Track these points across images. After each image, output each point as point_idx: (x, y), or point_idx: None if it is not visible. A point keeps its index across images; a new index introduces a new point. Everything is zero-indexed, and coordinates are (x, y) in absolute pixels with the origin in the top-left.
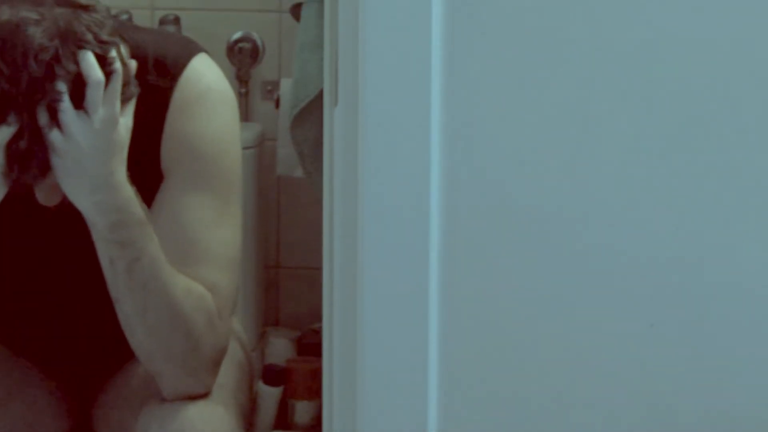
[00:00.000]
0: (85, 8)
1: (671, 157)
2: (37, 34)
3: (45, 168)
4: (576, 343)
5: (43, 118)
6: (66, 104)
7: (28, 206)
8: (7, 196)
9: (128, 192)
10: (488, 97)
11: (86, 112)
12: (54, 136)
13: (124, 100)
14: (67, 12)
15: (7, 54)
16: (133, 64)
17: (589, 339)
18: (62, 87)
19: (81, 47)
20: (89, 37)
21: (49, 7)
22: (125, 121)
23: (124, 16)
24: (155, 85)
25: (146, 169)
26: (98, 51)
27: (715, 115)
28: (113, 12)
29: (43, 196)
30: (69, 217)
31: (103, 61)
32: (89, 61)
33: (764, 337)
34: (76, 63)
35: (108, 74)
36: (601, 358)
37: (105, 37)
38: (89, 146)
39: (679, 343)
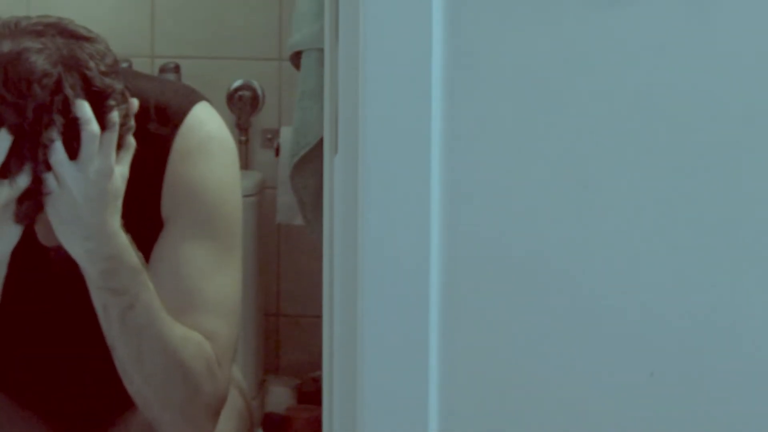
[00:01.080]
0: (87, 39)
1: (671, 209)
2: (39, 62)
3: (41, 206)
4: (576, 392)
5: (40, 158)
6: (60, 154)
7: (29, 249)
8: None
9: (122, 240)
10: (488, 148)
11: (80, 162)
12: (50, 180)
13: (122, 148)
14: (70, 42)
15: (10, 82)
16: (134, 103)
17: (589, 389)
18: (55, 135)
19: (83, 75)
20: (92, 65)
21: (51, 38)
22: (121, 170)
23: (125, 64)
24: (156, 133)
25: (146, 216)
26: (99, 83)
27: (714, 167)
28: (111, 50)
29: (42, 234)
30: (68, 262)
31: (102, 99)
32: (86, 110)
33: (765, 389)
34: (77, 89)
35: (104, 121)
36: (601, 406)
37: (106, 68)
38: (82, 196)
39: (679, 392)
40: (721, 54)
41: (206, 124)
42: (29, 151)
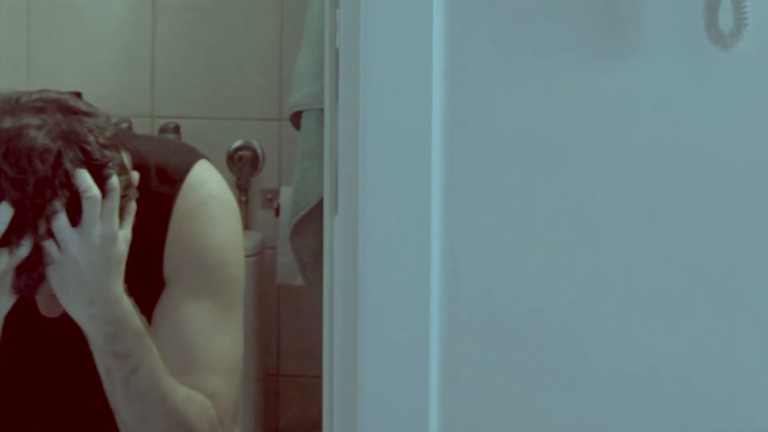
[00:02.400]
0: (86, 113)
1: (670, 268)
2: (39, 137)
3: (42, 278)
4: None
5: (41, 229)
6: (62, 222)
7: (30, 316)
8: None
9: (125, 304)
10: (488, 205)
11: (83, 228)
12: (52, 249)
13: (124, 213)
14: (69, 117)
15: (11, 157)
16: (135, 176)
17: None
18: (58, 205)
19: (83, 149)
20: (91, 139)
21: (51, 113)
22: (124, 234)
23: (124, 125)
24: (157, 192)
25: (147, 276)
26: (98, 156)
27: (715, 226)
28: (113, 120)
29: (44, 306)
30: (70, 327)
31: (102, 170)
32: (85, 178)
33: None
34: (77, 163)
35: (105, 189)
36: None
37: (106, 141)
38: (86, 261)
39: None
40: (721, 110)
41: (207, 184)
42: (30, 223)
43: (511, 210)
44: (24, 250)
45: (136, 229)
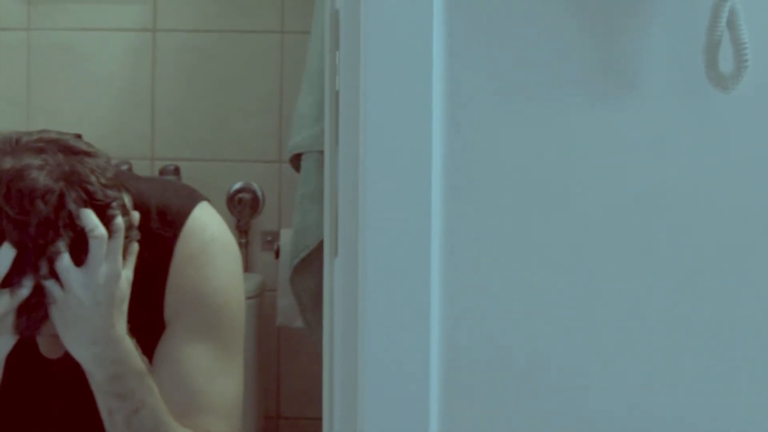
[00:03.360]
0: (87, 154)
1: (670, 314)
2: (41, 177)
3: (45, 318)
4: None
5: (43, 269)
6: (66, 261)
7: (31, 356)
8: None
9: (128, 344)
10: (488, 250)
11: (88, 267)
12: (54, 289)
13: (127, 254)
14: (70, 157)
15: (13, 199)
16: (136, 216)
17: None
18: (62, 245)
19: (85, 189)
20: (93, 179)
21: (52, 154)
22: (126, 274)
23: (125, 167)
24: (158, 234)
25: (149, 317)
26: (101, 196)
27: (715, 270)
28: (113, 162)
29: (45, 347)
30: (72, 367)
31: (106, 210)
32: (91, 218)
33: None
34: (79, 203)
35: (110, 228)
36: None
37: (107, 181)
38: (90, 301)
39: None
40: (721, 152)
41: (208, 227)
42: (31, 264)
43: (510, 253)
44: (25, 290)
45: (137, 271)
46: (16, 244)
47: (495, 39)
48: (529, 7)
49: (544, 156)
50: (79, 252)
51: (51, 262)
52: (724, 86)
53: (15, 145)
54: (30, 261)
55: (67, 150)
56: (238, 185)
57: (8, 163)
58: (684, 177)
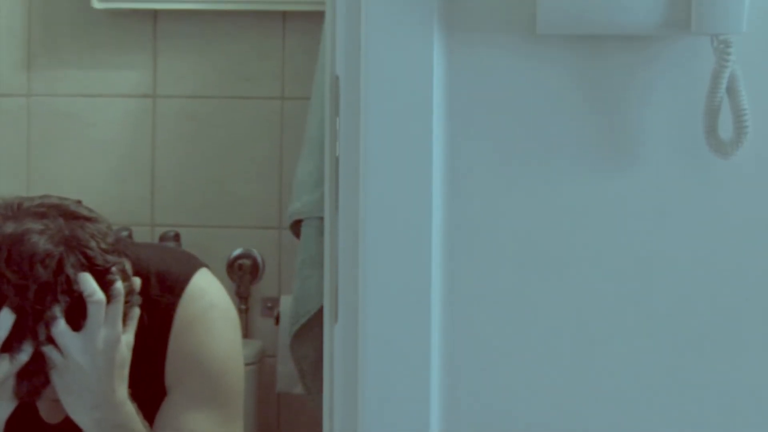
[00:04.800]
0: (88, 219)
1: (670, 376)
2: (41, 242)
3: (45, 383)
4: None
5: (41, 334)
6: (62, 327)
7: (31, 421)
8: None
9: (129, 409)
10: (488, 314)
11: (86, 332)
12: (53, 354)
13: (127, 319)
14: (71, 222)
15: (13, 262)
16: (137, 282)
17: None
18: (57, 311)
19: (85, 254)
20: (93, 244)
21: (53, 219)
22: (127, 339)
23: (124, 233)
24: (158, 301)
25: (149, 382)
26: (100, 262)
27: (714, 333)
28: (113, 228)
29: (46, 412)
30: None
31: (105, 275)
32: (89, 283)
33: None
34: (78, 268)
35: (109, 293)
36: None
37: (108, 246)
38: (89, 366)
39: None
40: (721, 219)
41: (207, 293)
42: (30, 329)
43: (510, 318)
44: (24, 355)
45: (137, 337)
46: (15, 309)
47: (495, 105)
48: (529, 75)
49: (544, 221)
50: (78, 317)
51: (49, 327)
52: (724, 153)
53: (17, 209)
54: (29, 326)
55: (68, 215)
56: (238, 251)
57: (10, 227)
58: (683, 243)
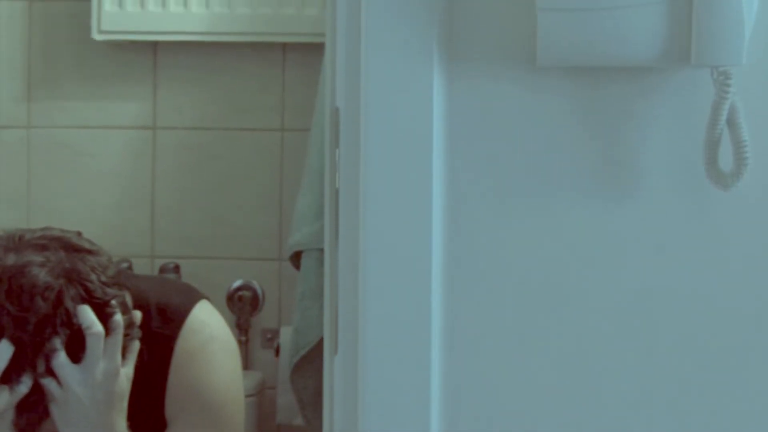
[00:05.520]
0: (89, 252)
1: (671, 410)
2: (41, 274)
3: (45, 415)
4: None
5: (40, 367)
6: (62, 359)
7: None
8: None
9: None
10: (487, 347)
11: (85, 364)
12: (52, 386)
13: (127, 352)
14: (72, 255)
15: (13, 295)
16: (137, 315)
17: None
18: (57, 343)
19: (85, 287)
20: (93, 277)
21: (54, 251)
22: (126, 371)
23: (124, 265)
24: (158, 333)
25: (149, 414)
26: (100, 294)
27: (715, 368)
28: (114, 261)
29: None
30: None
31: (105, 308)
32: (88, 315)
33: None
34: (78, 300)
35: (108, 326)
36: None
37: (108, 279)
38: (89, 398)
39: None
40: (721, 251)
41: (208, 326)
42: (29, 361)
43: (511, 352)
44: (24, 387)
45: (137, 369)
46: (14, 341)
47: (495, 136)
48: (529, 106)
49: (544, 252)
50: (78, 349)
51: (48, 359)
52: (724, 184)
53: (18, 241)
54: (28, 358)
55: (69, 247)
56: (238, 283)
57: (11, 259)
58: (684, 274)
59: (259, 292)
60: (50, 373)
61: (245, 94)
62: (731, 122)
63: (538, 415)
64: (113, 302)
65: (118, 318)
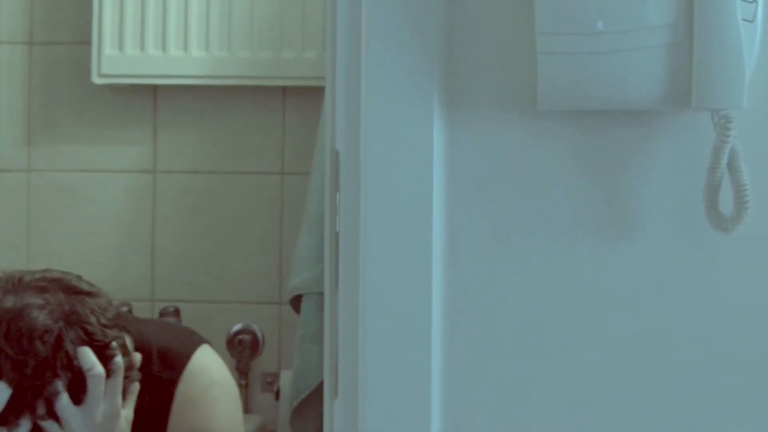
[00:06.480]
0: (89, 294)
1: None
2: (41, 317)
3: None
4: None
5: (40, 410)
6: (65, 401)
7: None
8: None
9: None
10: (487, 393)
11: (86, 406)
12: (53, 428)
13: (127, 394)
14: (71, 297)
15: (12, 337)
16: (137, 357)
17: None
18: (60, 386)
19: (85, 329)
20: (93, 320)
21: (54, 293)
22: (126, 413)
23: (124, 308)
24: (159, 377)
25: None
26: (100, 337)
27: (716, 413)
28: (113, 303)
29: None
30: None
31: (105, 350)
32: (88, 357)
33: None
34: (78, 343)
35: (109, 367)
36: None
37: (107, 321)
38: None
39: None
40: (722, 294)
41: (209, 370)
42: (28, 403)
43: (510, 389)
44: (23, 430)
45: (138, 413)
46: (13, 383)
47: (495, 180)
48: (529, 150)
49: (545, 295)
50: (79, 391)
51: (48, 402)
52: (724, 228)
53: (18, 283)
54: (26, 401)
55: (68, 290)
56: (237, 327)
57: (10, 301)
58: (683, 318)
59: (259, 335)
60: (51, 415)
61: (245, 137)
62: (732, 166)
63: None
64: (114, 344)
65: (119, 360)
